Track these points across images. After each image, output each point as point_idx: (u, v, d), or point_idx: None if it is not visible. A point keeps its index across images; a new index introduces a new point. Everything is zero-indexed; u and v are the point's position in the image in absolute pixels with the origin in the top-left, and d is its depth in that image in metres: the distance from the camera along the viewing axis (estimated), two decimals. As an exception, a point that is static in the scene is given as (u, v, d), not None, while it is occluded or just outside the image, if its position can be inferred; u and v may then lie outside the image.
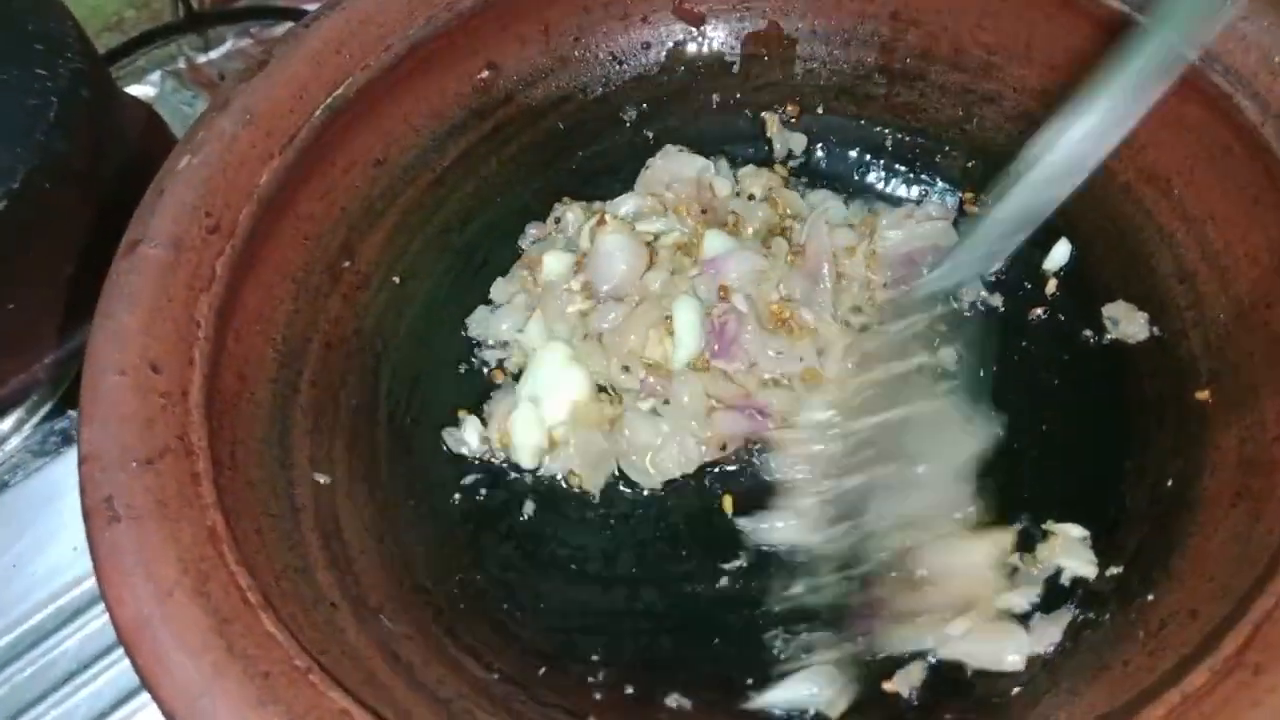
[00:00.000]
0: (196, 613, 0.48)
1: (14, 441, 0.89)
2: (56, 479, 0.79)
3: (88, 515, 0.52)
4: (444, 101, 0.75)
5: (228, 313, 0.61)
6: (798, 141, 0.80)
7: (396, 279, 0.73)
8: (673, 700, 0.59)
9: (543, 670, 0.60)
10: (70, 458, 0.80)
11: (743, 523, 0.65)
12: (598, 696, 0.59)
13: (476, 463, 0.70)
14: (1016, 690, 0.56)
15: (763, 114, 0.80)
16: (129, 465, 0.52)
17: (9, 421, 0.89)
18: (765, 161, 0.80)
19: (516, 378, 0.73)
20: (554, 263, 0.75)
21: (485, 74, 0.76)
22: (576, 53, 0.79)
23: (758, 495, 0.66)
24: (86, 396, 0.55)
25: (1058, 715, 0.52)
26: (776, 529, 0.64)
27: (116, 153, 0.86)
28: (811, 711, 0.59)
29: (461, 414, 0.71)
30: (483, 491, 0.69)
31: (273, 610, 0.50)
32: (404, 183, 0.74)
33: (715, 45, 0.80)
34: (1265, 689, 0.44)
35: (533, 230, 0.78)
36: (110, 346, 0.56)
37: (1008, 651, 0.58)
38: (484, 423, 0.70)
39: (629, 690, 0.60)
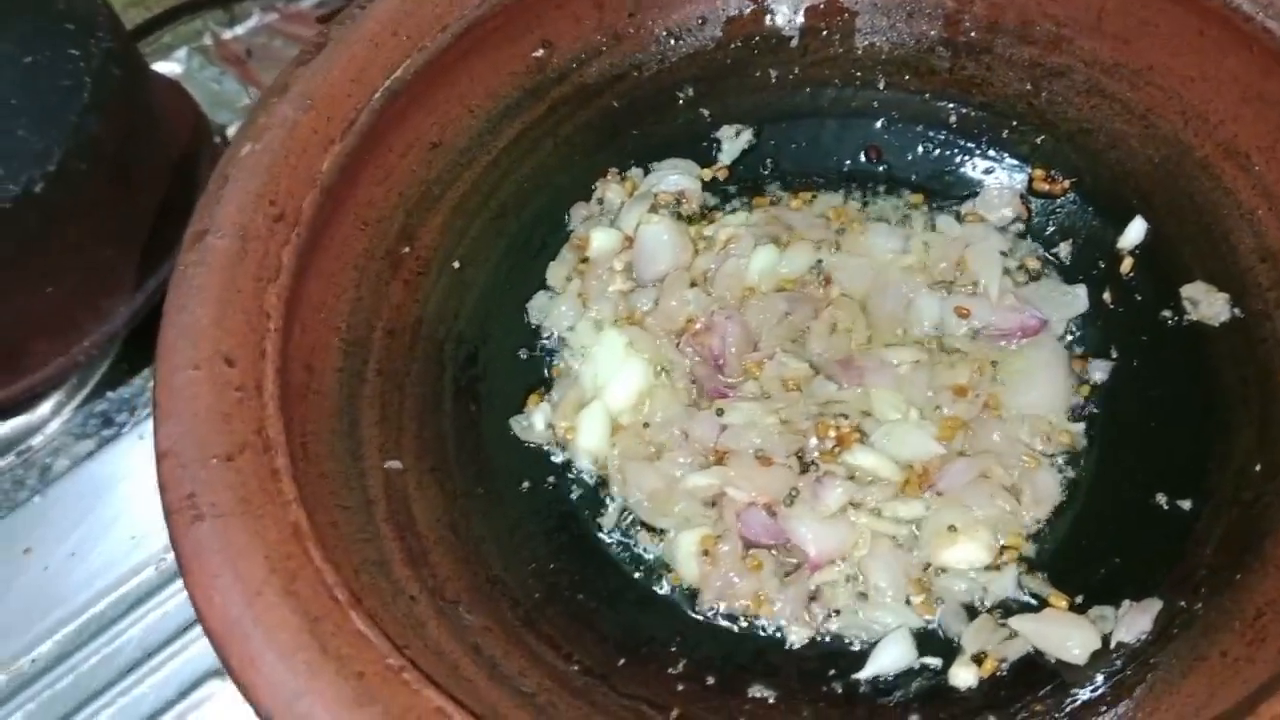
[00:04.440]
0: (286, 612, 0.48)
1: (54, 425, 0.89)
2: (108, 468, 0.79)
3: (170, 513, 0.51)
4: (499, 81, 0.74)
5: (294, 302, 0.60)
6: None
7: (456, 264, 0.72)
8: (756, 690, 0.59)
9: (622, 661, 0.60)
10: (118, 446, 0.80)
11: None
12: (679, 688, 0.59)
13: (544, 450, 0.69)
14: (1105, 681, 0.56)
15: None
16: (209, 462, 0.52)
17: (49, 404, 0.89)
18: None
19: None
20: (601, 239, 0.75)
21: (540, 52, 0.75)
22: (631, 29, 0.77)
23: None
24: (162, 392, 0.54)
25: (1155, 707, 0.51)
26: None
27: (148, 132, 0.86)
28: (917, 665, 0.59)
29: (531, 400, 0.70)
30: (551, 480, 0.68)
31: (360, 607, 0.50)
32: (461, 166, 0.73)
33: (774, 19, 0.78)
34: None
35: (579, 211, 0.77)
36: (183, 341, 0.55)
37: (1072, 642, 0.58)
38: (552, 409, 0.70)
39: (710, 681, 0.59)
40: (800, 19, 0.78)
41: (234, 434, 0.53)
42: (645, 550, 0.65)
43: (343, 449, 0.61)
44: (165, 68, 1.17)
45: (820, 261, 0.73)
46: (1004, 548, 0.62)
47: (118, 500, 0.77)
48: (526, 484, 0.67)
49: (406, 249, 0.69)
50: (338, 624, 0.48)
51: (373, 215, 0.68)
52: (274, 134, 0.62)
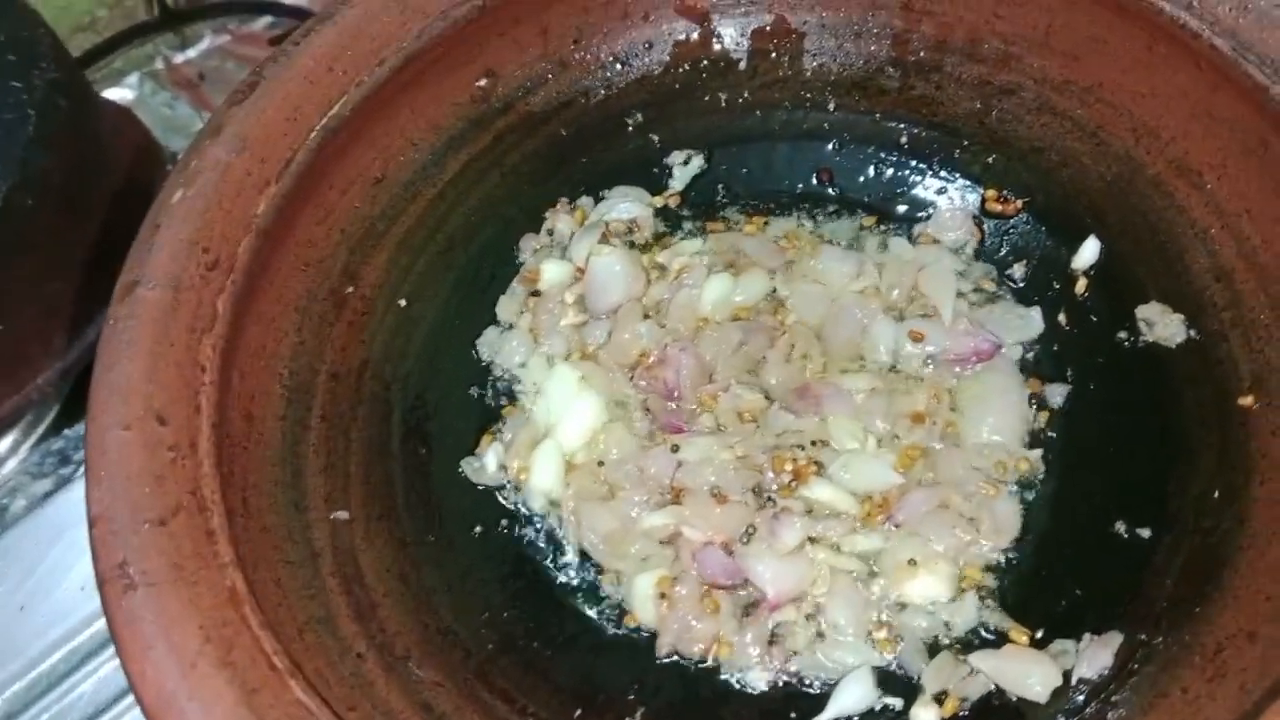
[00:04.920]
0: (222, 684, 0.46)
1: (11, 464, 0.87)
2: (60, 512, 0.77)
3: (102, 582, 0.49)
4: (442, 113, 0.72)
5: (231, 351, 0.58)
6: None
7: (402, 302, 0.70)
8: (715, 738, 0.58)
9: (578, 712, 0.58)
10: (74, 488, 0.78)
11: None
12: (636, 738, 0.58)
13: (497, 492, 0.67)
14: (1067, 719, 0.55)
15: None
16: (141, 527, 0.50)
17: (5, 444, 0.87)
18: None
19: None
20: (552, 271, 0.73)
21: (483, 82, 0.73)
22: (577, 55, 0.76)
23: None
24: (92, 454, 0.53)
25: (1116, 747, 0.51)
26: None
27: (97, 162, 0.84)
28: (879, 706, 0.58)
29: (484, 440, 0.68)
30: (504, 523, 0.66)
31: (301, 674, 0.48)
32: (404, 200, 0.71)
33: (721, 43, 0.77)
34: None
35: (529, 242, 0.76)
36: (113, 399, 0.54)
37: (1033, 679, 0.57)
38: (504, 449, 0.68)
39: (669, 730, 0.58)
40: (748, 41, 0.77)
41: (167, 496, 0.51)
42: (602, 594, 0.64)
43: (286, 501, 0.59)
44: (116, 94, 1.15)
45: (775, 289, 0.72)
46: (964, 579, 0.61)
47: (69, 547, 0.75)
48: (479, 529, 0.66)
49: (350, 289, 0.68)
50: (276, 694, 0.47)
51: (314, 256, 0.66)
52: (206, 178, 0.61)
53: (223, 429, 0.56)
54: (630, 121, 0.77)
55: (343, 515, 0.61)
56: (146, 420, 0.53)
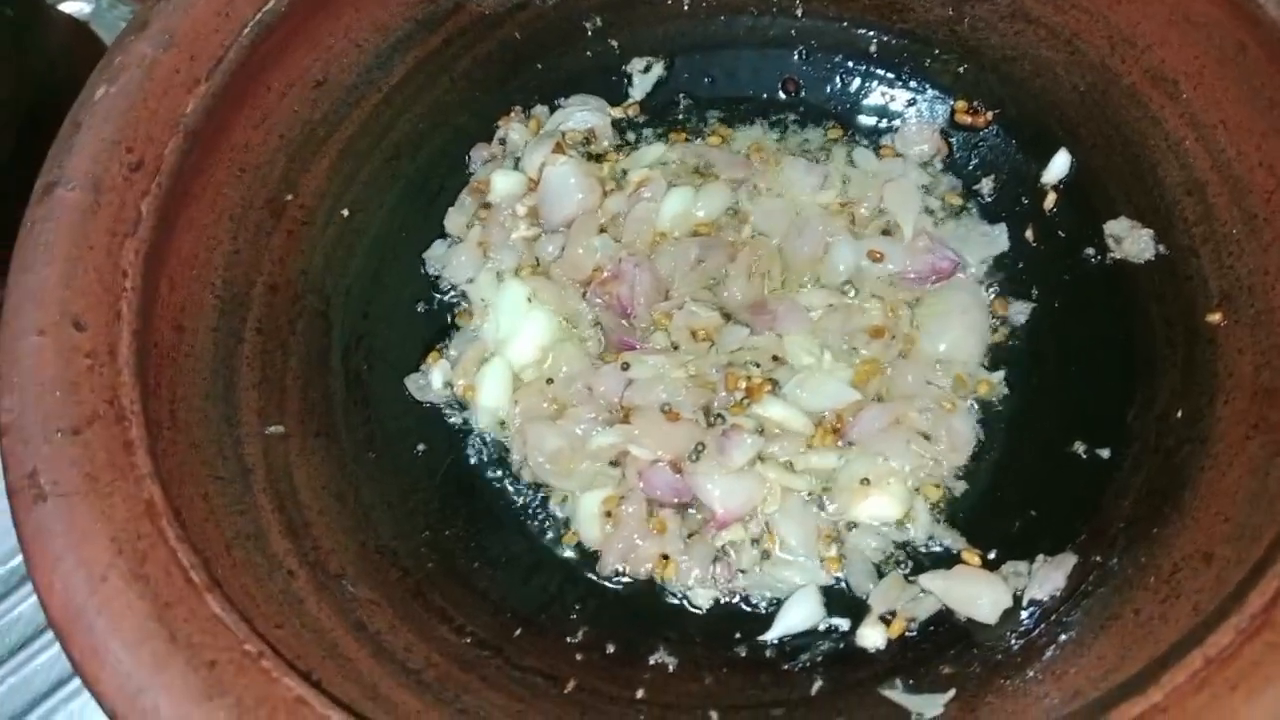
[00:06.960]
0: (133, 598, 0.44)
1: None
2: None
3: (11, 494, 0.47)
4: (388, 12, 0.69)
5: (158, 258, 0.55)
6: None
7: (345, 212, 0.67)
8: (657, 658, 0.56)
9: (518, 631, 0.57)
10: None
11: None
12: (578, 657, 0.56)
13: (441, 410, 0.65)
14: (1016, 641, 0.53)
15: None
16: (53, 436, 0.48)
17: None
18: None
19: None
20: (503, 182, 0.71)
21: (432, -20, 0.70)
22: (532, -48, 0.72)
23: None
24: (4, 360, 0.50)
25: (1064, 670, 0.49)
26: None
27: (45, 75, 0.81)
28: (824, 626, 0.57)
29: (430, 357, 0.66)
30: (448, 441, 0.64)
31: (219, 589, 0.46)
32: (348, 105, 0.68)
33: (684, -59, 0.73)
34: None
35: (480, 152, 0.73)
36: (28, 304, 0.51)
37: (983, 600, 0.55)
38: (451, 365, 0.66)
39: (610, 649, 0.57)
40: (712, -59, 0.73)
41: (82, 404, 0.49)
42: (547, 513, 0.62)
43: (217, 415, 0.57)
44: (72, 7, 1.11)
45: (737, 202, 0.69)
46: (917, 498, 0.60)
47: None
48: (422, 446, 0.64)
49: (289, 197, 0.65)
50: (191, 609, 0.45)
51: (250, 161, 0.63)
52: (131, 75, 0.57)
53: (147, 338, 0.53)
54: (588, 25, 0.74)
55: (278, 430, 0.59)
56: (62, 325, 0.51)
